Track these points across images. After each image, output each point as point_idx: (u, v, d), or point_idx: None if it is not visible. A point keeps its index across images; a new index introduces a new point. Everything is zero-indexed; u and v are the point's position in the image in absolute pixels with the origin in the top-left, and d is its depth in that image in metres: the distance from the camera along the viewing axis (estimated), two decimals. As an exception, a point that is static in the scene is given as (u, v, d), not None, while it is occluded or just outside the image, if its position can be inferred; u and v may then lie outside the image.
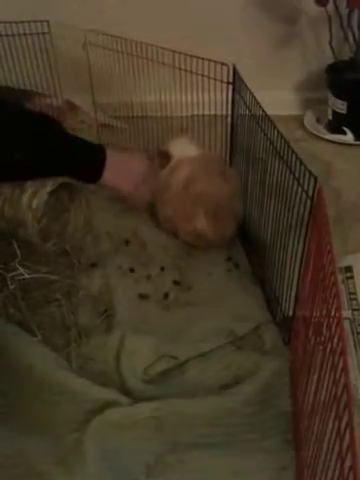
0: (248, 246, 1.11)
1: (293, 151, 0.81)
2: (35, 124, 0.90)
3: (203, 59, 1.16)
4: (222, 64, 1.11)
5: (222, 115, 1.21)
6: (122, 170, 0.99)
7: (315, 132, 1.53)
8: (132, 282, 1.03)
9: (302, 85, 1.64)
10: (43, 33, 1.47)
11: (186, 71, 1.22)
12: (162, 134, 1.35)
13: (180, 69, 1.23)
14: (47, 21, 1.45)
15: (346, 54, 1.50)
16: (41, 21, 1.44)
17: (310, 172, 0.75)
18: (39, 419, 0.79)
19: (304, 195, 0.80)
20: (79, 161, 0.94)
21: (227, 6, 1.51)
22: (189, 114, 1.30)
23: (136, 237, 1.14)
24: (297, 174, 0.82)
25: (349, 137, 1.48)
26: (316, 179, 0.75)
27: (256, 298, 0.98)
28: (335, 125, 1.50)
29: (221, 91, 1.15)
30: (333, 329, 0.61)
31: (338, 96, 1.46)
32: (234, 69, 1.10)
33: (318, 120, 1.59)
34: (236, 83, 1.11)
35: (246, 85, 1.02)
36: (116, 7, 1.52)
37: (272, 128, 0.92)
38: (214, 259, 1.07)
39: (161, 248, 1.10)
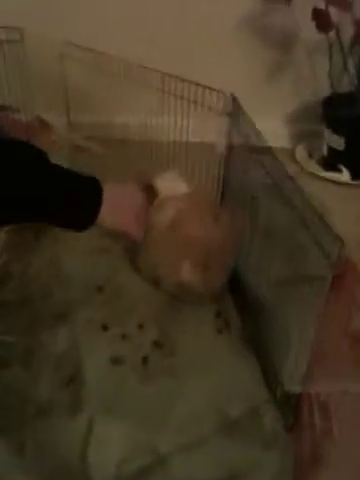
0: (240, 301, 0.96)
1: (313, 208, 0.68)
2: (18, 156, 0.72)
3: (197, 85, 1.02)
4: (218, 92, 0.98)
5: (213, 144, 1.08)
6: (119, 207, 0.84)
7: (308, 168, 1.41)
8: (104, 342, 0.87)
9: (294, 116, 1.53)
10: (14, 41, 1.31)
11: (176, 96, 1.08)
12: (145, 161, 1.21)
13: (170, 94, 1.09)
14: (19, 28, 1.29)
15: (345, 86, 1.40)
16: (13, 27, 1.29)
17: (336, 235, 0.62)
18: None
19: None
20: (74, 201, 0.77)
21: (218, 28, 1.39)
22: (177, 140, 1.16)
23: (111, 284, 0.98)
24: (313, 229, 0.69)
25: (345, 176, 1.37)
26: (342, 243, 0.62)
27: (252, 369, 0.83)
28: (330, 162, 1.39)
29: (215, 118, 1.02)
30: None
31: (335, 131, 1.35)
32: (233, 98, 0.97)
33: (310, 155, 1.47)
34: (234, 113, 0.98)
35: (250, 119, 0.89)
36: (99, 19, 1.37)
37: (277, 167, 0.80)
38: (201, 316, 0.92)
39: (140, 299, 0.95)
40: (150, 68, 1.08)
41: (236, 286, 0.98)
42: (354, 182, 1.36)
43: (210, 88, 1.00)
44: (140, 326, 0.90)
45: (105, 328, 0.90)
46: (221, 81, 0.97)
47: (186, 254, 0.92)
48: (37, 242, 0.97)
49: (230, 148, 1.03)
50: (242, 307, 0.95)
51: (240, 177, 1.01)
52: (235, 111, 0.97)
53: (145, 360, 0.84)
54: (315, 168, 1.42)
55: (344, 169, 1.37)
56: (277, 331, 0.85)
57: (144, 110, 1.16)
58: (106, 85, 1.20)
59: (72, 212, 0.78)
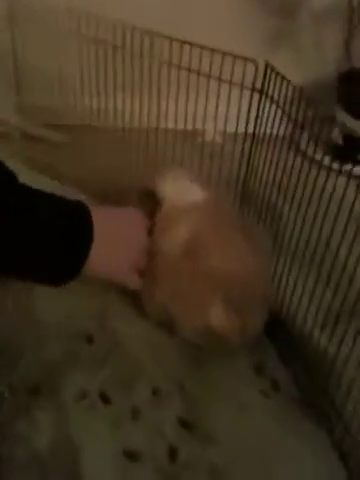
0: (283, 348, 0.72)
1: None
2: None
3: (212, 50, 0.75)
4: (245, 59, 0.71)
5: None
6: (115, 246, 0.59)
7: (317, 159, 1.18)
8: (109, 425, 0.60)
9: (296, 96, 1.29)
10: None
11: (169, 64, 0.80)
12: (125, 155, 0.92)
13: (161, 62, 0.81)
14: None
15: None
16: None
17: None
18: None
19: None
20: (52, 246, 0.52)
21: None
22: (178, 127, 0.88)
23: (104, 331, 0.70)
24: None
25: (365, 168, 1.16)
26: None
27: (323, 451, 0.59)
28: (345, 151, 1.16)
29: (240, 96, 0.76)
30: None
31: (353, 115, 1.13)
32: (266, 68, 0.71)
33: (316, 143, 1.24)
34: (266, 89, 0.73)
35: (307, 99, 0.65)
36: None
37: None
38: (237, 374, 0.67)
39: (148, 352, 0.68)
40: (130, 26, 0.80)
41: (273, 327, 0.73)
42: (375, 176, 1.15)
43: (232, 55, 0.73)
44: (155, 393, 0.64)
45: (106, 401, 0.63)
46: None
47: (215, 292, 0.66)
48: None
49: (256, 137, 0.78)
50: (287, 356, 0.70)
51: (270, 178, 0.77)
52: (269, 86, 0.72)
53: (173, 453, 0.58)
54: (324, 159, 1.19)
55: (363, 160, 1.16)
56: (344, 387, 0.62)
57: (128, 86, 0.87)
58: (72, 52, 0.90)
59: (49, 262, 0.52)
